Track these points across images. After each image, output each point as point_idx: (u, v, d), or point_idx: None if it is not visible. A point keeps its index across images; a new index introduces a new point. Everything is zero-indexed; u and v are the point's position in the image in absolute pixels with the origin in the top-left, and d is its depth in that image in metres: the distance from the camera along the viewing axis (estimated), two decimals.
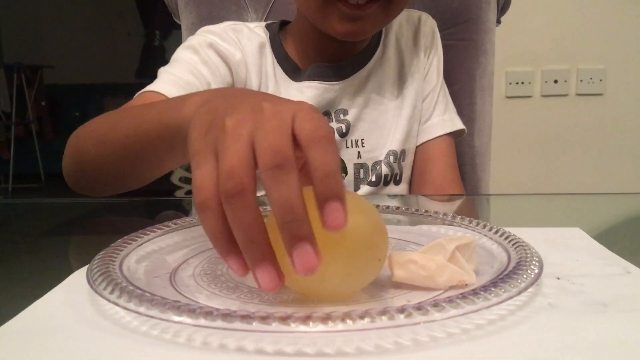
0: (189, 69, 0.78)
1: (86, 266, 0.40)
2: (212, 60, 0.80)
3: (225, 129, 0.35)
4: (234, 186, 0.32)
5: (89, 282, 0.37)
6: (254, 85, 0.82)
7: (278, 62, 0.84)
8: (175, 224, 0.52)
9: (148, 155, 0.54)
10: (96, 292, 0.35)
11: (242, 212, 0.32)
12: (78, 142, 0.65)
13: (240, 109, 0.36)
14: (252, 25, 0.88)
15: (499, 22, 1.06)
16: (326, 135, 0.34)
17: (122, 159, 0.58)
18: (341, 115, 0.84)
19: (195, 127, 0.38)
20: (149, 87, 0.75)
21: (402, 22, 0.91)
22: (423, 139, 0.89)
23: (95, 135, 0.63)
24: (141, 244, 0.47)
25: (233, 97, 0.41)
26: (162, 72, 0.78)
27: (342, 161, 0.83)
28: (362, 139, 0.84)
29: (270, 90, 0.83)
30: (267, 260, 0.33)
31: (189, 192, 0.94)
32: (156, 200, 0.80)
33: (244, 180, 0.32)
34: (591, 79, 1.83)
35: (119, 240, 0.45)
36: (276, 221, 0.32)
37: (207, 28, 0.85)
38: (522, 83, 1.84)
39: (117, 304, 0.34)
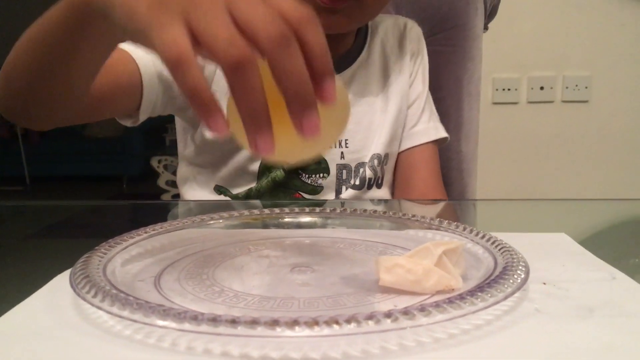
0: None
1: (69, 269, 0.40)
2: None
3: (197, 3, 0.34)
4: (241, 53, 0.32)
5: (72, 285, 0.36)
6: None
7: None
8: (160, 227, 0.51)
9: (60, 46, 0.52)
10: (79, 295, 0.35)
11: (254, 81, 0.33)
12: (5, 65, 0.60)
13: None
14: None
15: (486, 28, 1.07)
16: (312, 15, 0.36)
17: (39, 62, 0.55)
18: None
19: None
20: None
21: (388, 28, 0.91)
22: (408, 144, 0.89)
23: (14, 52, 0.59)
24: (126, 247, 0.46)
25: None
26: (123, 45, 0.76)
27: (325, 161, 0.83)
28: (345, 140, 0.84)
29: None
30: (269, 127, 0.35)
31: (176, 196, 0.93)
32: (142, 204, 0.80)
33: (247, 47, 0.33)
34: (577, 85, 1.84)
35: (104, 243, 0.45)
36: (284, 91, 0.34)
37: None
38: (509, 89, 1.85)
39: (100, 308, 0.33)
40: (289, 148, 0.39)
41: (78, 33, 0.49)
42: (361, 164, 0.85)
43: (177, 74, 0.33)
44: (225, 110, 0.35)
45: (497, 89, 1.85)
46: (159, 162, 3.60)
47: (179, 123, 0.92)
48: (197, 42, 0.34)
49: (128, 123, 0.75)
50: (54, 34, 0.51)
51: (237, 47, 0.33)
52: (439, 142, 0.91)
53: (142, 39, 0.37)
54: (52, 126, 0.65)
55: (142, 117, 0.73)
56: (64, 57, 0.53)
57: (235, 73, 0.33)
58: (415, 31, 0.92)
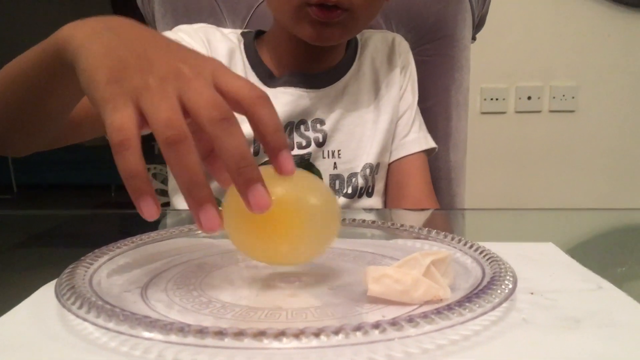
0: None
1: (55, 280, 0.39)
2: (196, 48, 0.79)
3: (149, 87, 0.37)
4: (177, 133, 0.35)
5: (57, 296, 0.36)
6: None
7: (252, 67, 0.85)
8: (148, 237, 0.51)
9: (32, 90, 0.54)
10: (64, 307, 0.35)
11: (187, 157, 0.35)
12: None
13: (158, 64, 0.38)
14: (226, 31, 0.88)
15: (474, 39, 1.07)
16: (265, 95, 0.38)
17: (12, 103, 0.57)
18: (318, 125, 0.84)
19: (98, 69, 0.39)
20: None
21: (377, 44, 0.92)
22: (400, 154, 0.90)
23: None
24: (112, 258, 0.46)
25: (134, 39, 0.42)
26: None
27: (318, 171, 0.83)
28: (338, 150, 0.85)
29: None
30: (210, 202, 0.36)
31: (165, 205, 0.92)
32: (130, 213, 0.79)
33: (184, 128, 0.35)
34: (564, 95, 1.86)
35: (90, 253, 0.45)
36: (228, 169, 0.36)
37: (180, 27, 0.86)
38: (497, 99, 1.87)
39: (85, 320, 0.33)
40: (280, 253, 0.41)
41: (52, 77, 0.51)
42: (353, 174, 0.85)
43: (119, 156, 0.36)
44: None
45: (485, 99, 1.86)
46: (148, 170, 3.58)
47: None
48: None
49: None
50: (30, 75, 0.53)
51: (172, 127, 0.35)
52: (428, 152, 0.92)
53: (97, 109, 0.38)
54: (30, 152, 0.67)
55: None
56: (40, 96, 0.55)
57: (170, 151, 0.35)
58: (403, 45, 0.94)
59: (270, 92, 0.83)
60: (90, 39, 0.42)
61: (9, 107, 0.58)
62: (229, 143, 0.36)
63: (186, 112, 0.37)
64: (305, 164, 0.82)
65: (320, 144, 0.84)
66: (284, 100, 0.83)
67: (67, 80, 0.49)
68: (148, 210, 0.36)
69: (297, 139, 0.83)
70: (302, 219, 0.40)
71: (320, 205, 0.41)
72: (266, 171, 0.38)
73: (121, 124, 0.36)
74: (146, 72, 0.38)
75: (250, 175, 0.36)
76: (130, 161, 0.35)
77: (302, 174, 0.42)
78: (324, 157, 0.84)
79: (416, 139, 0.90)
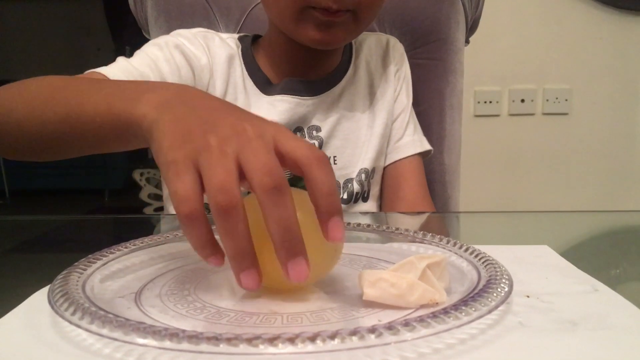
0: (147, 63, 0.76)
1: (48, 286, 0.39)
2: (176, 60, 0.79)
3: (209, 147, 0.37)
4: (228, 200, 0.35)
5: (50, 303, 0.36)
6: (217, 92, 0.82)
7: (249, 75, 0.84)
8: (141, 242, 0.50)
9: (89, 136, 0.52)
10: (57, 313, 0.34)
11: (236, 225, 0.35)
12: (4, 97, 0.60)
13: (221, 125, 0.38)
14: (224, 35, 0.88)
15: (467, 42, 1.08)
16: (324, 157, 0.38)
17: (56, 133, 0.55)
18: (314, 132, 0.84)
19: (165, 136, 0.39)
20: (100, 69, 0.73)
21: (371, 46, 0.92)
22: (395, 157, 0.90)
23: (27, 96, 0.59)
24: (106, 263, 0.45)
25: (202, 108, 0.42)
26: (120, 59, 0.77)
27: None
28: (334, 156, 0.85)
29: (240, 103, 0.82)
30: (253, 267, 0.36)
31: (159, 209, 0.92)
32: (124, 218, 0.79)
33: (236, 194, 0.35)
34: (557, 98, 1.87)
35: (83, 259, 0.44)
36: (273, 238, 0.36)
37: (178, 31, 0.85)
38: (490, 102, 1.87)
39: (79, 326, 0.32)
40: (278, 280, 0.39)
41: (112, 140, 0.50)
42: (349, 180, 0.85)
43: (187, 228, 0.36)
44: None
45: (478, 102, 1.87)
46: (141, 175, 3.58)
47: None
48: None
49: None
50: (84, 125, 0.51)
51: (224, 193, 0.35)
52: (423, 155, 0.92)
53: (163, 178, 0.39)
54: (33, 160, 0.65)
55: None
56: (85, 145, 0.55)
57: (220, 217, 0.35)
58: (397, 48, 0.94)
59: (268, 100, 0.83)
60: (162, 110, 0.42)
61: (41, 139, 0.57)
62: (276, 213, 0.35)
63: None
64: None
65: None
66: (281, 108, 0.82)
67: (134, 146, 0.50)
68: (216, 262, 0.38)
69: None
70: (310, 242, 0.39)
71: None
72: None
73: (186, 195, 0.36)
74: (209, 133, 0.38)
75: (295, 250, 0.36)
76: (201, 232, 0.36)
77: (301, 195, 0.40)
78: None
79: (411, 141, 0.90)
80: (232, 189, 0.35)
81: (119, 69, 0.73)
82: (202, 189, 0.36)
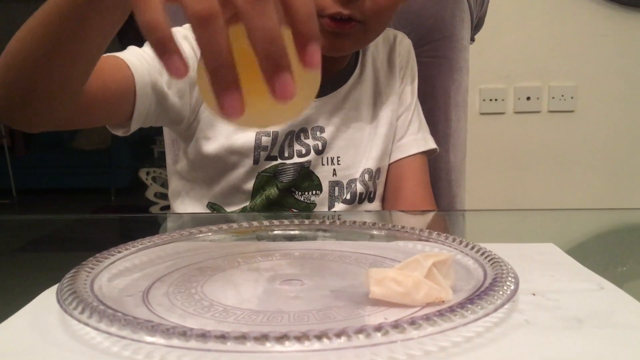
0: None
1: (56, 285, 0.39)
2: (184, 49, 0.78)
3: None
4: (207, 8, 0.32)
5: (58, 301, 0.36)
6: None
7: None
8: (148, 241, 0.51)
9: (68, 21, 0.51)
10: (66, 312, 0.35)
11: (216, 35, 0.33)
12: (1, 60, 0.58)
13: None
14: None
15: (473, 40, 1.07)
16: None
17: (43, 42, 0.53)
18: (317, 133, 0.83)
19: None
20: (114, 53, 0.72)
21: (378, 42, 0.91)
22: (397, 156, 0.89)
23: (13, 42, 0.57)
24: (113, 262, 0.46)
25: None
26: (132, 47, 0.76)
27: (317, 178, 0.83)
28: (337, 157, 0.84)
29: None
30: (236, 86, 0.34)
31: (165, 208, 0.93)
32: (130, 217, 0.79)
33: (215, 3, 0.33)
34: (562, 96, 1.86)
35: (91, 258, 0.44)
36: (255, 51, 0.33)
37: (176, 29, 0.84)
38: (496, 100, 1.87)
39: (87, 324, 0.33)
40: (261, 113, 0.38)
41: (89, 5, 0.49)
42: (352, 180, 0.85)
43: (142, 10, 0.33)
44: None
45: (484, 100, 1.86)
46: (147, 174, 3.59)
47: (167, 135, 0.91)
48: None
49: (119, 132, 0.75)
50: (62, 12, 0.50)
51: (203, 1, 0.32)
52: (428, 154, 0.91)
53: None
54: (44, 128, 0.63)
55: (134, 126, 0.73)
56: (71, 35, 0.52)
57: (201, 27, 0.33)
58: (404, 44, 0.93)
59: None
60: None
61: (34, 60, 0.55)
62: (260, 23, 0.33)
63: None
64: (305, 171, 0.82)
65: (319, 152, 0.83)
66: None
67: (106, 5, 0.48)
68: (173, 66, 0.34)
69: (296, 147, 0.82)
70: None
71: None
72: (237, 28, 0.35)
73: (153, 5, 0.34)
74: None
75: (280, 62, 0.33)
76: (151, 9, 0.34)
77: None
78: (323, 164, 0.83)
79: (413, 140, 0.89)
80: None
81: (132, 54, 0.72)
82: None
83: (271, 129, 0.80)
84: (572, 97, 1.86)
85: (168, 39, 0.34)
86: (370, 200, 0.87)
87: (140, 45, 0.74)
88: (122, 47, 0.74)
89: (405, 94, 0.91)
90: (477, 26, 1.07)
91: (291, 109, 0.39)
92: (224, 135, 0.79)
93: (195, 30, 0.33)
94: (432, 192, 0.90)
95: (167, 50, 0.34)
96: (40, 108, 0.60)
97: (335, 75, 0.86)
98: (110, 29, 0.53)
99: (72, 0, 0.50)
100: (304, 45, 0.35)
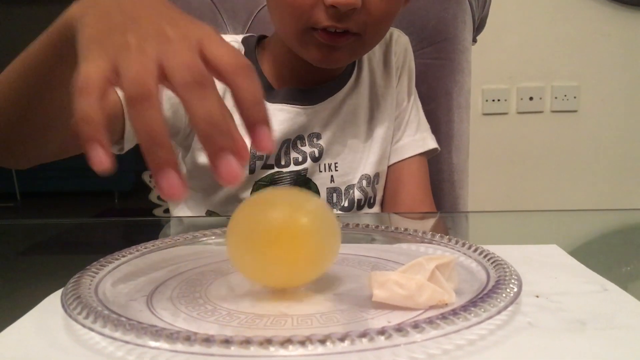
0: None
1: (60, 290, 0.39)
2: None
3: (128, 45, 0.35)
4: (141, 89, 0.33)
5: (63, 306, 0.36)
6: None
7: None
8: (152, 245, 0.51)
9: (39, 71, 0.52)
10: (71, 317, 0.35)
11: (151, 115, 0.33)
12: None
13: (144, 25, 0.37)
14: (228, 38, 0.86)
15: (475, 41, 1.07)
16: (248, 64, 0.37)
17: (20, 94, 0.55)
18: (314, 139, 0.82)
19: (86, 26, 0.39)
20: None
21: None
22: (394, 159, 0.88)
23: None
24: (117, 266, 0.46)
25: (129, 4, 0.41)
26: None
27: (315, 185, 0.82)
28: (335, 163, 0.83)
29: None
30: (172, 164, 0.33)
31: (168, 210, 0.93)
32: (134, 221, 0.79)
33: (151, 85, 0.33)
34: (565, 96, 1.86)
35: (95, 262, 0.45)
36: (199, 135, 0.34)
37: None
38: (498, 100, 1.87)
39: (92, 329, 0.33)
40: (283, 275, 0.40)
41: (59, 58, 0.50)
42: (350, 186, 0.84)
43: (78, 99, 0.34)
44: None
45: (486, 100, 1.86)
46: (151, 176, 3.58)
47: None
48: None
49: (115, 150, 0.74)
50: (37, 63, 0.52)
51: (138, 84, 0.33)
52: (428, 153, 0.90)
53: (78, 65, 0.37)
54: (33, 164, 0.65)
55: (127, 145, 0.72)
56: (48, 84, 0.54)
57: (132, 107, 0.33)
58: (400, 41, 0.91)
59: (268, 107, 0.82)
60: (90, 7, 0.42)
61: (14, 106, 0.57)
62: (200, 107, 0.33)
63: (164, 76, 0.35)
64: (302, 179, 0.81)
65: (316, 159, 0.82)
66: (281, 117, 0.80)
67: (69, 57, 0.47)
68: (98, 157, 0.34)
69: (293, 154, 0.81)
70: (300, 240, 0.40)
71: (318, 226, 0.41)
72: (262, 195, 0.37)
73: (86, 72, 0.35)
74: (130, 32, 0.36)
75: (224, 143, 0.34)
76: (89, 101, 0.34)
77: (299, 194, 0.42)
78: (320, 171, 0.82)
79: (410, 142, 0.88)
80: (147, 81, 0.33)
81: None
82: (111, 80, 0.35)
83: None
84: (575, 97, 1.86)
85: (96, 131, 0.34)
86: (370, 205, 0.86)
87: None
88: None
89: (401, 94, 0.89)
90: (479, 27, 1.07)
91: (314, 272, 0.42)
92: None
93: (129, 110, 0.33)
94: (432, 195, 0.90)
95: (95, 144, 0.34)
96: (26, 146, 0.62)
97: (331, 82, 0.85)
98: None
99: (38, 58, 0.51)
100: (253, 129, 0.36)
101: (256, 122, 0.36)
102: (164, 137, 0.33)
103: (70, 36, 0.43)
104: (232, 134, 0.34)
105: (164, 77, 0.35)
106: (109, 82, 0.35)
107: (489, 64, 1.80)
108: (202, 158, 0.80)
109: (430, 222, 0.79)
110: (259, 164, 0.80)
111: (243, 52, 0.84)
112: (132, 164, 4.87)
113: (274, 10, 0.77)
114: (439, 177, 1.00)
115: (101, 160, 0.34)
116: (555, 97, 1.86)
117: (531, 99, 1.86)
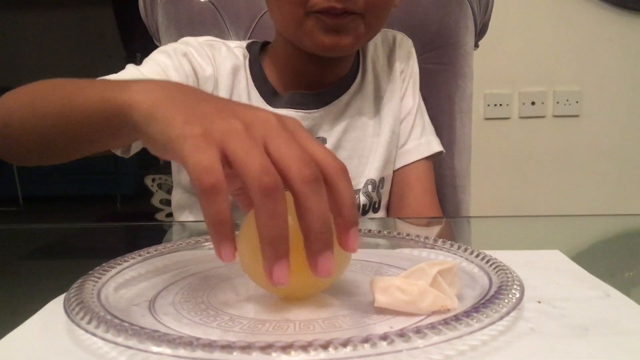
0: (157, 71, 0.76)
1: (63, 294, 0.39)
2: (184, 69, 0.78)
3: (236, 130, 0.36)
4: (273, 181, 0.34)
5: (66, 311, 0.36)
6: None
7: (255, 86, 0.83)
8: (155, 250, 0.51)
9: (82, 127, 0.52)
10: (73, 322, 0.35)
11: (279, 207, 0.34)
12: (5, 103, 0.61)
13: (239, 111, 0.38)
14: (232, 44, 0.86)
15: (477, 46, 1.08)
16: (344, 167, 0.38)
17: (54, 128, 0.55)
18: None
19: (178, 113, 0.38)
20: (109, 76, 0.72)
21: (377, 44, 0.90)
22: (400, 163, 0.88)
23: (25, 99, 0.59)
24: (120, 271, 0.46)
25: (203, 95, 0.42)
26: (130, 66, 0.76)
27: None
28: None
29: None
30: (286, 258, 0.35)
31: (170, 215, 0.93)
32: (136, 225, 0.80)
33: (278, 178, 0.35)
34: (567, 100, 1.86)
35: (97, 267, 0.45)
36: (307, 229, 0.35)
37: (186, 39, 0.84)
38: (500, 105, 1.87)
39: (94, 334, 0.33)
40: (298, 286, 0.40)
41: (104, 130, 0.49)
42: (356, 191, 0.83)
43: (207, 201, 0.35)
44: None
45: (488, 105, 1.86)
46: (153, 180, 3.59)
47: None
48: (229, 167, 0.36)
49: (118, 152, 0.74)
50: (77, 117, 0.51)
51: (269, 174, 0.34)
52: (434, 157, 0.90)
53: (174, 151, 0.37)
54: (39, 164, 0.66)
55: (134, 149, 0.72)
56: (81, 139, 0.54)
57: (266, 199, 0.34)
58: (404, 45, 0.91)
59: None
60: (158, 94, 0.42)
61: (41, 137, 0.57)
62: (317, 206, 0.35)
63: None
64: None
65: None
66: None
67: (124, 137, 0.49)
68: (226, 254, 0.36)
69: None
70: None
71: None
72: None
73: (211, 165, 0.34)
74: (230, 118, 0.37)
75: (328, 242, 0.36)
76: (222, 207, 0.35)
77: None
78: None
79: (416, 146, 0.88)
80: (275, 172, 0.35)
81: (129, 77, 0.73)
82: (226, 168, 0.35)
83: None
84: (577, 102, 1.86)
85: (229, 233, 0.36)
86: (375, 210, 0.86)
87: (144, 55, 0.74)
88: (128, 54, 0.74)
89: (407, 98, 0.89)
90: (480, 32, 1.07)
91: (324, 282, 0.41)
92: None
93: (258, 201, 0.34)
94: (438, 199, 0.90)
95: (224, 243, 0.36)
96: (41, 160, 0.64)
97: (336, 84, 0.85)
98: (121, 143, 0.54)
99: (85, 117, 0.50)
100: (346, 230, 0.37)
101: (349, 224, 0.37)
102: (287, 233, 0.35)
103: (126, 115, 0.43)
104: (332, 237, 0.36)
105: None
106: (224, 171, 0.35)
107: (491, 68, 1.80)
108: None
109: (436, 228, 0.79)
110: None
111: (247, 59, 0.84)
112: (135, 168, 4.89)
113: (273, 3, 0.77)
114: (441, 182, 1.00)
115: (229, 256, 0.36)
116: (558, 102, 1.86)
117: (533, 103, 1.86)
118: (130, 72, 0.75)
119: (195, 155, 0.35)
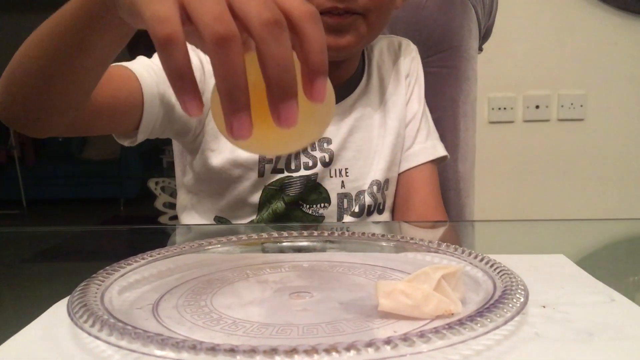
0: None
1: (67, 298, 0.39)
2: (193, 61, 0.78)
3: None
4: (226, 30, 0.32)
5: (69, 314, 0.36)
6: None
7: None
8: (158, 253, 0.51)
9: (69, 36, 0.51)
10: (77, 325, 0.35)
11: (234, 57, 0.33)
12: (8, 67, 0.60)
13: None
14: None
15: (481, 49, 1.08)
16: (317, 13, 0.36)
17: (46, 51, 0.55)
18: (325, 144, 0.83)
19: None
20: (122, 63, 0.72)
21: (382, 49, 0.91)
22: (405, 166, 0.88)
23: (22, 49, 0.58)
24: (123, 275, 0.46)
25: None
26: (141, 57, 0.76)
27: (326, 190, 0.82)
28: (346, 169, 0.83)
29: None
30: (247, 109, 0.34)
31: (174, 218, 0.93)
32: (140, 228, 0.80)
33: (234, 25, 0.33)
34: (572, 104, 1.85)
35: (101, 270, 0.45)
36: (267, 76, 0.33)
37: None
38: (505, 108, 1.86)
39: (98, 338, 0.33)
40: (269, 141, 0.38)
41: (89, 25, 0.49)
42: (361, 192, 0.84)
43: (165, 53, 0.33)
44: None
45: (492, 108, 1.86)
46: (156, 184, 3.60)
47: (176, 147, 0.91)
48: (187, 18, 0.34)
49: (126, 142, 0.75)
50: (66, 28, 0.51)
51: (223, 22, 0.33)
52: (438, 161, 0.90)
53: (134, 13, 0.36)
54: (50, 134, 0.64)
55: (140, 137, 0.73)
56: (74, 51, 0.53)
57: (218, 49, 0.33)
58: (410, 50, 0.92)
59: None
60: None
61: (39, 70, 0.56)
62: (276, 50, 0.33)
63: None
64: (312, 184, 0.82)
65: (326, 164, 0.82)
66: None
67: (106, 23, 0.48)
68: (192, 108, 0.34)
69: (303, 159, 0.81)
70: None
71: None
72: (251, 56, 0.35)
73: (166, 15, 0.33)
74: None
75: (290, 90, 0.34)
76: (180, 60, 0.33)
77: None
78: (331, 176, 0.83)
79: (422, 149, 0.88)
80: (229, 19, 0.33)
81: (140, 65, 0.73)
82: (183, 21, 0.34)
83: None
84: (581, 106, 1.85)
85: (191, 84, 0.34)
86: (380, 212, 0.86)
87: (149, 56, 0.74)
88: (132, 58, 0.74)
89: (412, 101, 0.90)
90: (485, 36, 1.07)
91: (299, 139, 0.40)
92: (229, 149, 0.79)
93: (211, 51, 0.33)
94: (443, 202, 0.90)
95: (188, 95, 0.34)
96: (44, 116, 0.62)
97: (342, 85, 0.85)
98: (113, 47, 0.53)
99: (70, 20, 0.51)
100: (312, 78, 0.35)
101: (318, 71, 0.35)
102: (246, 81, 0.33)
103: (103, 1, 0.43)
104: (296, 84, 0.34)
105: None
106: (184, 24, 0.34)
107: (495, 72, 1.80)
108: (211, 160, 0.80)
109: (441, 231, 0.78)
110: (268, 167, 0.80)
111: None
112: (138, 171, 4.90)
113: None
114: (445, 186, 1.00)
115: (194, 109, 0.34)
116: (562, 106, 1.85)
117: (537, 107, 1.86)
118: (142, 61, 0.74)
119: (151, 7, 0.34)
